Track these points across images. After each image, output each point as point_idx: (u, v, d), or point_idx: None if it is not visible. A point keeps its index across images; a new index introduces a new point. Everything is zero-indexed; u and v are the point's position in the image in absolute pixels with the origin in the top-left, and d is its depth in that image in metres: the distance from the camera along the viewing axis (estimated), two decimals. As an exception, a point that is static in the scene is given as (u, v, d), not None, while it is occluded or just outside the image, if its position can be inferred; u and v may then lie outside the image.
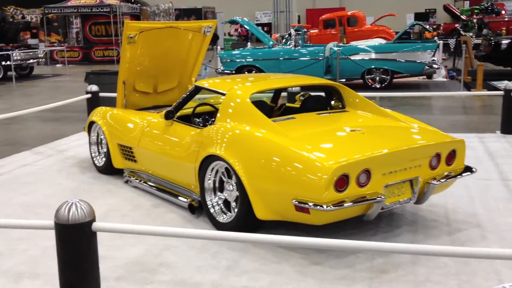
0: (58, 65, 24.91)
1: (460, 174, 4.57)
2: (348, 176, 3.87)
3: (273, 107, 5.80)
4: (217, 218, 4.60)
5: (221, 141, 4.53)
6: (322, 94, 5.53)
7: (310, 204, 3.84)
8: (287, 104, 6.04)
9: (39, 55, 19.56)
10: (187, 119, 5.39)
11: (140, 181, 5.70)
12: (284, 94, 8.07)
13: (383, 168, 4.05)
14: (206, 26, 6.60)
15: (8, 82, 17.91)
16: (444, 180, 4.38)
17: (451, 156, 4.48)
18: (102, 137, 6.36)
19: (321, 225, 4.27)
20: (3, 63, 17.83)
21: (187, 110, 5.62)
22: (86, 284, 3.06)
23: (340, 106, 5.27)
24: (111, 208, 5.24)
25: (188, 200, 4.95)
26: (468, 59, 15.54)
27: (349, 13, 19.10)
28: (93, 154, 6.56)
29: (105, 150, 6.30)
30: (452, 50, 19.64)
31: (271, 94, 6.29)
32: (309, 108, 5.18)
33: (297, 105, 5.79)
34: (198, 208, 4.91)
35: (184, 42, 6.66)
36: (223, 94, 4.90)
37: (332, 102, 5.30)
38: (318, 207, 3.80)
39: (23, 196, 5.68)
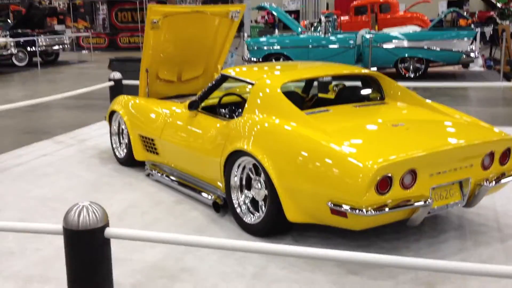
0: (84, 52, 24.80)
1: (514, 175, 4.10)
2: (391, 177, 3.45)
3: (304, 98, 5.38)
4: (243, 218, 4.23)
5: (248, 135, 4.15)
6: (359, 84, 5.09)
7: (348, 207, 3.44)
8: (320, 95, 5.62)
9: (65, 41, 19.40)
10: (212, 110, 5.02)
11: (162, 174, 5.36)
12: (315, 83, 7.64)
13: (431, 169, 3.62)
14: (234, 11, 6.19)
15: (33, 68, 17.80)
16: (498, 181, 3.92)
17: (506, 155, 4.02)
18: (123, 127, 6.03)
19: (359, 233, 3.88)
20: (29, 49, 17.67)
21: (212, 100, 5.25)
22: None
23: (379, 97, 4.83)
24: (131, 204, 4.91)
25: (213, 197, 4.59)
26: (507, 49, 14.82)
27: (381, 0, 18.46)
28: (114, 145, 6.25)
29: (126, 141, 5.97)
30: (488, 39, 18.89)
31: (302, 84, 5.86)
32: (345, 99, 4.74)
33: (330, 96, 5.36)
34: (223, 206, 4.55)
35: (210, 27, 6.27)
36: (252, 84, 4.50)
37: (370, 93, 4.86)
38: (357, 211, 3.39)
39: (39, 189, 5.39)
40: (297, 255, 2.84)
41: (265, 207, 4.06)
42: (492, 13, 22.59)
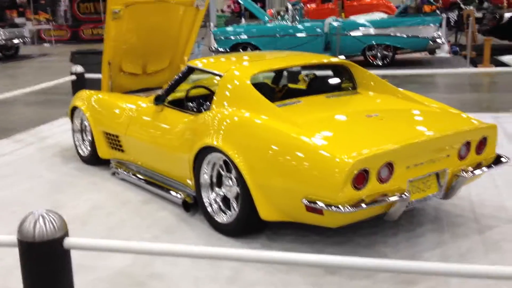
0: (45, 45, 24.09)
1: (491, 164, 4.00)
2: (368, 171, 3.30)
3: (274, 89, 5.20)
4: (215, 218, 4.04)
5: (218, 130, 3.95)
6: (329, 73, 4.94)
7: (324, 204, 3.28)
8: (290, 86, 5.44)
9: (25, 34, 18.75)
10: (179, 104, 4.80)
11: (128, 173, 5.13)
12: (284, 73, 7.46)
13: (408, 161, 3.49)
14: (199, 0, 5.95)
15: (-8, 62, 17.18)
16: (475, 172, 3.82)
17: (482, 144, 3.92)
18: (86, 123, 5.75)
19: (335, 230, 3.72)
20: (-13, 43, 17.04)
21: (179, 94, 5.03)
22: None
23: (351, 87, 4.69)
24: (95, 205, 4.67)
25: (182, 196, 4.39)
26: (472, 34, 14.92)
27: (347, -14, 18.43)
28: (76, 143, 5.96)
29: (89, 138, 5.69)
30: (453, 24, 18.99)
31: (271, 74, 5.67)
32: (316, 90, 4.58)
33: (301, 86, 5.19)
34: (193, 205, 4.35)
35: (175, 17, 6.02)
36: (220, 76, 4.30)
37: (342, 83, 4.71)
38: (333, 208, 3.24)
39: (-3, 192, 5.10)
40: (272, 261, 2.67)
41: (237, 206, 3.88)
42: (456, -1, 22.74)
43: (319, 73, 5.34)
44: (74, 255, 3.61)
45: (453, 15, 19.18)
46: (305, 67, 6.47)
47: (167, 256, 3.52)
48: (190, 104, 4.79)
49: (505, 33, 15.02)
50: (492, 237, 3.85)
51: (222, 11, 30.45)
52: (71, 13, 26.49)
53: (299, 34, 13.14)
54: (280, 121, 3.73)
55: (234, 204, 3.93)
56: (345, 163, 3.23)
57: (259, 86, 4.24)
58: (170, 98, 4.86)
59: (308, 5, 19.05)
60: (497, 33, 15.27)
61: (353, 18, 13.82)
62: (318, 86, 4.64)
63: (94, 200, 4.80)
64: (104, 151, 5.51)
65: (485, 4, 21.59)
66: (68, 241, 2.47)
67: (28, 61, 18.26)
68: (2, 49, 18.06)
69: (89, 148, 5.74)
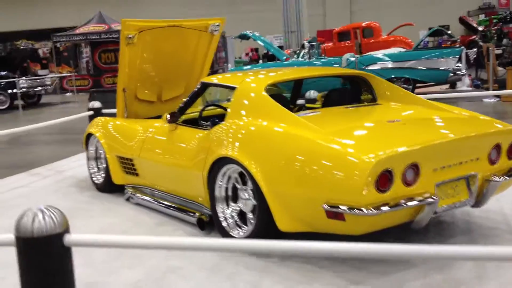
0: (68, 94, 24.48)
1: (524, 169, 3.76)
2: (391, 172, 3.10)
3: (290, 105, 5.05)
4: (230, 233, 3.83)
5: (233, 141, 3.79)
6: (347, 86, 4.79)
7: (345, 207, 3.07)
8: (307, 105, 5.30)
9: (47, 83, 19.08)
10: (194, 123, 4.67)
11: (143, 197, 4.96)
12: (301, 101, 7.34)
13: (434, 162, 3.28)
14: (213, 24, 5.91)
15: (15, 110, 17.41)
16: (507, 178, 3.58)
17: (513, 148, 3.69)
18: (101, 151, 5.65)
19: (358, 236, 3.48)
20: (10, 91, 17.32)
21: (193, 114, 4.92)
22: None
23: (371, 99, 4.52)
24: (110, 227, 4.50)
25: (197, 214, 4.20)
26: (493, 67, 14.74)
27: (364, 24, 18.41)
28: (91, 171, 5.85)
29: (104, 165, 5.58)
30: (472, 61, 18.86)
31: (288, 95, 5.54)
32: (334, 102, 4.42)
33: (318, 105, 5.05)
34: (208, 223, 4.15)
35: (189, 43, 5.98)
36: (234, 88, 4.17)
37: (361, 95, 4.55)
38: (356, 211, 3.03)
39: (8, 220, 4.94)
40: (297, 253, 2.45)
41: (254, 219, 3.68)
42: (474, 36, 22.70)
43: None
44: (85, 272, 3.47)
45: (473, 53, 19.08)
46: (322, 78, 6.33)
47: (181, 267, 3.32)
48: (204, 122, 4.66)
49: (527, 64, 14.76)
50: (529, 246, 3.57)
51: (240, 58, 30.84)
52: (93, 63, 27.02)
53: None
54: (298, 128, 3.56)
55: (250, 217, 3.73)
56: (367, 163, 3.04)
57: (276, 98, 4.10)
58: (184, 117, 4.74)
59: (325, 44, 19.14)
60: (518, 65, 15.03)
61: (371, 53, 13.77)
62: (336, 99, 4.48)
63: (108, 223, 4.64)
64: (118, 177, 5.37)
65: (504, 41, 21.51)
66: (68, 238, 2.30)
67: (50, 107, 18.48)
68: (25, 97, 18.34)
69: (103, 175, 5.61)
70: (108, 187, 5.54)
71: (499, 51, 18.62)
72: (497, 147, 3.58)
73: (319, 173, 3.25)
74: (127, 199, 5.22)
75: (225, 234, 3.88)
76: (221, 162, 3.82)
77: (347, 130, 3.55)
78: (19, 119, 15.59)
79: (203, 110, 4.77)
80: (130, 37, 5.44)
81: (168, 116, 4.55)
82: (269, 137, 3.66)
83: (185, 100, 4.68)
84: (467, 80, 14.46)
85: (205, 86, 4.58)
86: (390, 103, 4.38)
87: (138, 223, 4.58)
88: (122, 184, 5.36)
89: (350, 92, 4.60)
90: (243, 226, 3.81)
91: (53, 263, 2.29)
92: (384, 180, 3.08)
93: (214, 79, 4.55)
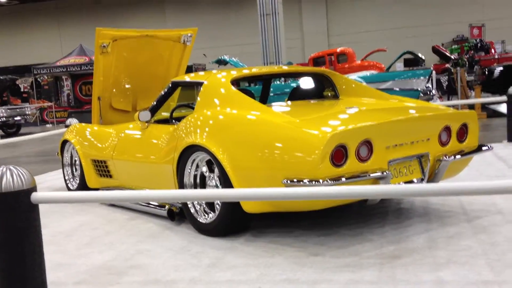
0: (48, 125, 24.50)
1: (474, 152, 3.99)
2: (346, 148, 3.30)
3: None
4: (198, 219, 3.98)
5: (201, 130, 3.97)
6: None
7: (304, 181, 3.25)
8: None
9: (27, 112, 19.15)
10: (165, 123, 4.84)
11: (116, 197, 5.08)
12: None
13: (386, 140, 3.49)
14: (186, 35, 6.16)
15: (-6, 139, 17.41)
16: (457, 156, 3.80)
17: (463, 132, 3.93)
18: (76, 158, 5.78)
19: (320, 214, 3.67)
20: (-12, 120, 17.37)
21: (165, 115, 5.10)
22: (27, 271, 2.42)
23: (333, 95, 4.76)
24: (82, 224, 4.61)
25: (167, 206, 4.34)
26: (463, 89, 15.23)
27: (338, 50, 18.91)
28: (66, 177, 5.96)
29: (79, 172, 5.70)
30: (445, 89, 19.37)
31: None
32: (299, 97, 4.65)
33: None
34: (178, 214, 4.29)
35: (163, 53, 6.20)
36: (202, 83, 4.38)
37: (324, 91, 4.79)
38: (314, 183, 3.21)
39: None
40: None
41: (220, 204, 3.83)
42: (446, 65, 23.32)
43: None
44: (55, 255, 3.58)
45: (445, 79, 19.61)
46: (287, 75, 6.58)
47: (149, 249, 3.41)
48: (175, 121, 4.84)
49: (496, 87, 15.28)
50: (481, 223, 3.76)
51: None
52: (73, 95, 27.12)
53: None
54: (262, 114, 3.76)
55: (217, 205, 3.88)
56: (322, 138, 3.23)
57: (243, 91, 4.30)
58: (155, 118, 4.92)
59: (301, 71, 19.53)
60: (488, 88, 15.55)
61: (344, 75, 14.11)
62: (300, 94, 4.71)
63: (81, 221, 4.74)
64: (93, 180, 5.50)
65: (475, 68, 22.17)
66: (35, 195, 2.45)
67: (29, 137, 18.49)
68: (4, 127, 18.37)
69: (78, 181, 5.73)
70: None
71: (470, 78, 19.21)
72: (447, 129, 3.82)
73: (279, 152, 3.43)
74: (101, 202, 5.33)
75: (194, 221, 4.02)
76: (190, 150, 3.99)
77: (305, 114, 3.77)
78: (-2, 146, 15.60)
79: (173, 110, 4.95)
80: (104, 46, 5.65)
81: (139, 114, 4.73)
82: (236, 124, 3.85)
83: (156, 99, 4.86)
84: (438, 101, 14.86)
85: (175, 85, 4.78)
86: (350, 97, 4.62)
87: (110, 220, 4.70)
88: (97, 187, 5.48)
89: (314, 88, 4.84)
90: (211, 212, 3.95)
91: (21, 220, 2.43)
92: (339, 155, 3.28)
93: (186, 77, 4.75)
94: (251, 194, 2.44)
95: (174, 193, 2.81)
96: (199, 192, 2.85)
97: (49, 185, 6.87)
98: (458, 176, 4.23)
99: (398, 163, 3.57)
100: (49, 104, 25.48)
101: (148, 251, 3.65)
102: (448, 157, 3.73)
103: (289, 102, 4.54)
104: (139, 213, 4.76)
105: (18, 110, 18.66)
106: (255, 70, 4.80)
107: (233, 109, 3.96)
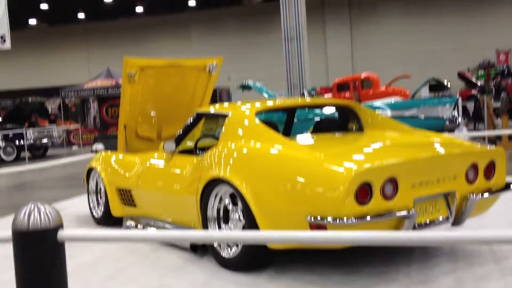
0: (74, 147, 24.87)
1: (502, 190, 3.91)
2: (370, 185, 3.27)
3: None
4: (221, 253, 3.96)
5: (225, 163, 3.98)
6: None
7: (328, 218, 3.22)
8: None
9: (54, 134, 19.45)
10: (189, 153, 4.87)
11: (140, 226, 5.10)
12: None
13: (412, 178, 3.45)
14: (211, 64, 6.22)
15: (21, 161, 17.70)
16: (485, 194, 3.73)
17: (490, 169, 3.86)
18: (101, 185, 5.83)
19: (344, 250, 3.62)
20: (17, 143, 17.65)
21: (190, 145, 5.13)
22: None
23: (357, 127, 4.74)
24: (105, 254, 4.62)
25: (190, 238, 4.33)
26: (489, 117, 15.04)
27: (362, 76, 18.88)
28: (91, 205, 6.01)
29: (104, 200, 5.74)
30: (471, 115, 19.17)
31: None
32: (323, 130, 4.65)
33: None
34: (201, 247, 4.29)
35: (188, 82, 6.27)
36: (226, 115, 4.40)
37: (348, 124, 4.77)
38: (337, 221, 3.18)
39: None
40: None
41: (243, 238, 3.81)
42: (473, 91, 23.11)
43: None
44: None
45: (471, 106, 19.41)
46: (311, 107, 6.57)
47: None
48: (199, 151, 4.86)
49: (523, 114, 15.05)
50: (509, 265, 3.67)
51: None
52: (100, 117, 27.51)
53: (316, 118, 13.36)
54: (287, 148, 3.76)
55: (240, 237, 3.86)
56: (346, 176, 3.21)
57: (267, 124, 4.30)
58: (180, 148, 4.94)
59: (325, 95, 19.53)
60: (515, 115, 15.32)
61: (369, 102, 14.07)
62: (324, 127, 4.70)
63: (104, 250, 4.75)
64: (117, 209, 5.53)
65: (502, 94, 21.90)
66: (61, 233, 2.46)
67: (56, 159, 18.76)
68: (31, 149, 18.66)
69: (102, 209, 5.77)
70: (107, 220, 5.68)
71: (497, 105, 18.97)
72: (474, 167, 3.75)
73: (303, 188, 3.41)
74: (125, 229, 5.35)
75: (216, 254, 4.01)
76: (213, 183, 4.00)
77: (330, 149, 3.75)
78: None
79: (198, 140, 4.98)
80: (131, 75, 5.74)
81: (164, 145, 4.76)
82: (260, 158, 3.85)
83: (180, 130, 4.90)
84: (464, 129, 14.69)
85: (199, 116, 4.82)
86: (375, 130, 4.59)
87: (133, 250, 4.70)
88: (121, 216, 5.51)
89: (338, 120, 4.83)
90: (234, 247, 3.93)
91: (47, 258, 2.43)
92: (363, 192, 3.24)
93: (211, 108, 4.79)
94: (277, 237, 2.41)
95: (200, 235, 2.79)
96: (223, 234, 2.83)
97: (74, 210, 6.93)
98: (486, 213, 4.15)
99: (424, 201, 3.52)
100: (76, 126, 25.87)
101: (170, 285, 3.64)
102: (475, 196, 3.67)
103: (313, 135, 4.53)
104: (163, 244, 4.76)
105: (45, 132, 18.95)
106: (279, 102, 4.81)
107: (256, 141, 3.97)
